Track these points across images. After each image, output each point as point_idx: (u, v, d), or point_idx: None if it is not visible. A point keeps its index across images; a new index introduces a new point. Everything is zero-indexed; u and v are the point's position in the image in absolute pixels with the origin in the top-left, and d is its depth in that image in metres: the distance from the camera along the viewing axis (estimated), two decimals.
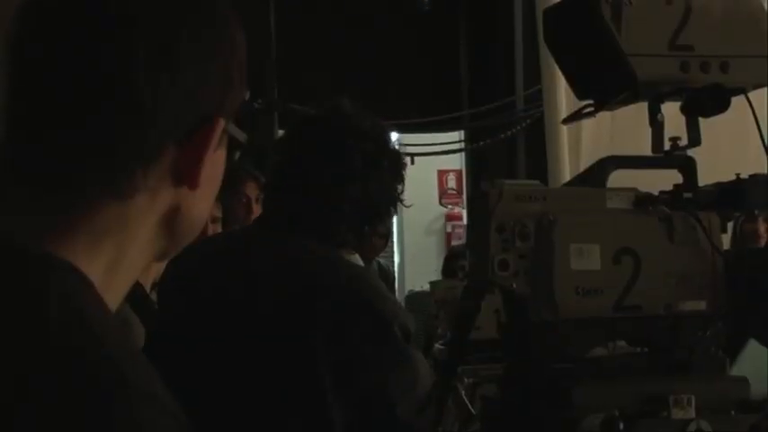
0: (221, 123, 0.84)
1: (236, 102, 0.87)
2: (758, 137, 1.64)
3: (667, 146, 1.68)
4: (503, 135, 6.23)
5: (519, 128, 6.09)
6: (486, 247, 1.50)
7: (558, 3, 1.80)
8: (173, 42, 0.80)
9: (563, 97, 3.81)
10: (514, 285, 1.51)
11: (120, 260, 0.82)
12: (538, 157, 4.52)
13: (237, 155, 0.92)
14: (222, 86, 0.84)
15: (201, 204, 0.87)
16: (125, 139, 0.79)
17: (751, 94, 1.70)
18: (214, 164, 0.86)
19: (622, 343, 1.68)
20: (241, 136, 0.92)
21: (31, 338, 0.72)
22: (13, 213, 0.80)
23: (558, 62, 1.80)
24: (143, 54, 0.79)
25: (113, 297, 0.83)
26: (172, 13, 0.81)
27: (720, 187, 1.64)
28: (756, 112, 1.67)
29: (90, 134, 0.79)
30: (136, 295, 2.84)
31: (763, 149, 1.60)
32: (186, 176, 0.83)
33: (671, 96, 1.68)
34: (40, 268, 0.76)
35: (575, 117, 1.84)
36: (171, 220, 0.85)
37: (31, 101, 0.80)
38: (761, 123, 1.66)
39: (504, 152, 6.47)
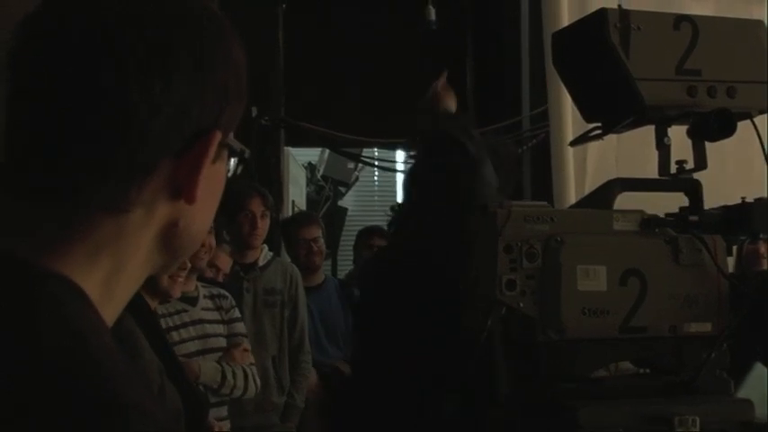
0: (218, 137, 0.83)
1: (235, 116, 0.86)
2: (763, 161, 1.66)
3: (674, 169, 1.70)
4: None
5: (525, 148, 6.11)
6: (494, 266, 1.51)
7: (567, 26, 1.82)
8: (167, 56, 0.80)
9: (569, 118, 3.82)
10: (521, 305, 1.52)
11: (118, 274, 0.82)
12: (543, 178, 4.53)
13: (239, 169, 0.91)
14: (219, 100, 0.83)
15: (201, 218, 0.86)
16: (118, 153, 0.78)
17: (756, 119, 1.72)
18: (213, 177, 0.85)
19: (628, 364, 1.69)
20: (242, 149, 0.90)
21: (21, 350, 0.72)
22: (13, 227, 0.80)
23: (566, 85, 1.82)
24: (137, 68, 0.78)
25: (112, 309, 0.83)
26: (166, 26, 0.81)
27: (726, 210, 1.66)
28: (762, 136, 1.69)
29: (83, 149, 0.78)
30: (141, 310, 2.86)
31: None
32: (183, 191, 0.82)
33: (678, 120, 1.70)
34: (37, 282, 0.76)
35: (582, 139, 1.86)
36: (169, 234, 0.84)
37: (27, 116, 0.80)
38: (766, 148, 1.68)
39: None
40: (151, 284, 3.03)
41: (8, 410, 0.69)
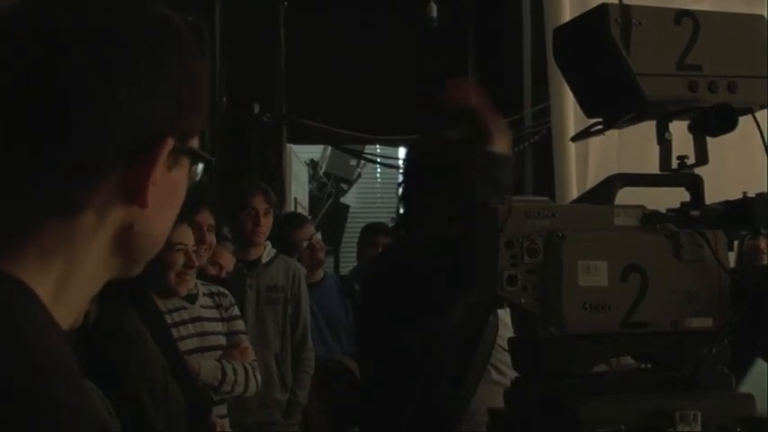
0: (170, 144, 0.84)
1: (193, 125, 0.87)
2: (764, 156, 1.66)
3: (675, 164, 1.70)
4: None
5: (526, 144, 6.11)
6: (495, 262, 1.51)
7: (568, 22, 1.82)
8: (119, 64, 0.81)
9: (571, 114, 3.82)
10: (522, 300, 1.52)
11: (71, 276, 0.83)
12: (545, 174, 4.53)
13: (204, 176, 0.91)
14: (171, 108, 0.84)
15: (159, 223, 0.87)
16: (67, 156, 0.80)
17: (757, 114, 1.72)
18: (169, 184, 0.86)
19: (628, 359, 1.69)
20: (206, 157, 0.91)
21: None
22: None
23: (567, 80, 1.82)
24: (88, 74, 0.80)
25: (66, 310, 0.83)
26: (121, 37, 0.82)
27: (727, 206, 1.65)
28: (763, 131, 1.69)
29: (32, 151, 0.80)
30: (148, 309, 2.87)
31: None
32: (134, 195, 0.83)
33: (679, 115, 1.69)
34: None
35: (584, 135, 1.86)
36: (125, 238, 0.85)
37: None
38: (767, 143, 1.68)
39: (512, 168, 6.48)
40: (158, 283, 3.05)
41: None
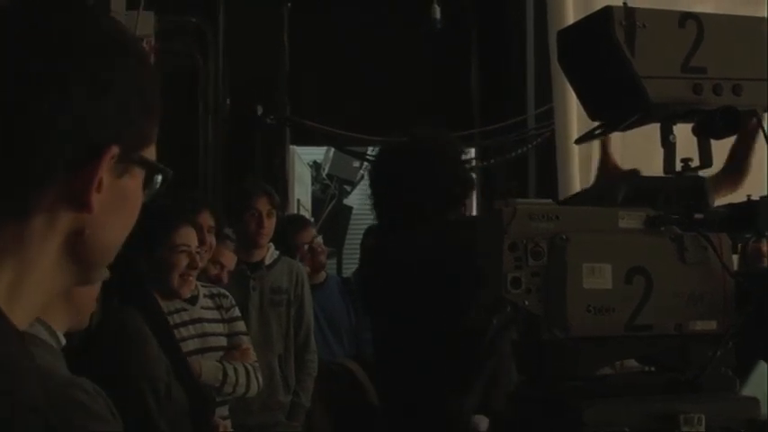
0: (113, 151, 0.86)
1: (143, 133, 0.90)
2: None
3: (679, 167, 1.70)
4: (513, 153, 6.24)
5: (530, 146, 6.11)
6: (499, 264, 1.51)
7: (573, 24, 1.82)
8: (65, 73, 0.84)
9: (574, 116, 3.82)
10: (526, 303, 1.52)
11: (23, 281, 0.85)
12: (548, 176, 4.53)
13: (162, 185, 0.94)
14: (116, 118, 0.87)
15: (111, 230, 0.89)
16: (16, 160, 0.83)
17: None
18: (120, 192, 0.88)
19: (632, 362, 1.69)
20: (160, 167, 0.93)
21: None
22: None
23: (571, 83, 1.82)
24: (35, 83, 0.83)
25: (21, 314, 0.85)
26: (68, 48, 0.86)
27: (731, 209, 1.65)
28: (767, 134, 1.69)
29: None
30: (151, 310, 2.87)
31: None
32: (78, 200, 0.85)
33: (683, 118, 1.69)
34: None
35: (588, 137, 1.86)
36: (76, 243, 0.87)
37: None
38: None
39: (515, 170, 6.48)
40: (161, 285, 3.05)
41: None
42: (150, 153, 0.91)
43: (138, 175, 0.90)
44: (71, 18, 0.88)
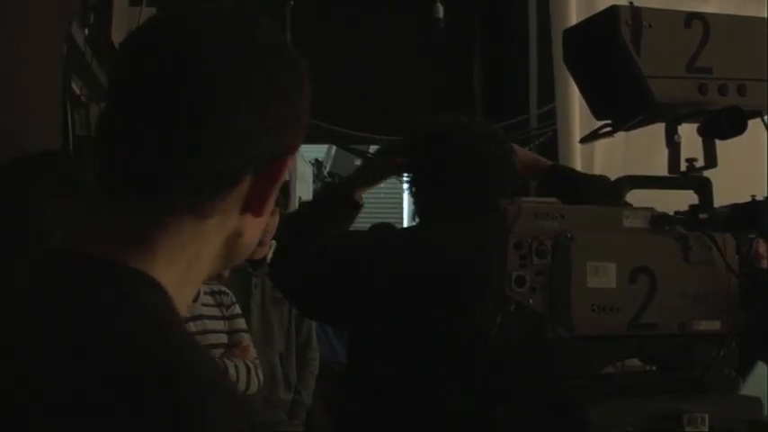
0: (291, 161, 0.94)
1: (299, 144, 0.96)
2: None
3: (683, 167, 1.70)
4: None
5: (532, 146, 6.11)
6: (504, 262, 1.51)
7: (578, 24, 1.82)
8: (260, 85, 0.90)
9: (577, 116, 3.83)
10: (530, 301, 1.52)
11: (190, 271, 0.91)
12: None
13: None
14: (293, 128, 0.93)
15: (256, 231, 0.96)
16: (213, 165, 0.88)
17: (766, 118, 1.72)
18: (273, 196, 0.95)
19: (634, 361, 1.69)
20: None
21: (108, 338, 0.81)
22: (104, 229, 0.90)
23: (576, 82, 1.82)
24: (235, 94, 0.88)
25: (180, 301, 0.91)
26: (260, 59, 0.91)
27: (735, 209, 1.65)
28: None
29: (182, 159, 0.88)
30: None
31: None
32: (254, 205, 0.92)
33: (688, 118, 1.69)
34: (125, 280, 0.86)
35: (592, 137, 1.86)
36: (232, 243, 0.94)
37: (133, 126, 0.89)
38: None
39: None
40: None
41: (98, 382, 0.78)
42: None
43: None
44: (246, 34, 0.92)
